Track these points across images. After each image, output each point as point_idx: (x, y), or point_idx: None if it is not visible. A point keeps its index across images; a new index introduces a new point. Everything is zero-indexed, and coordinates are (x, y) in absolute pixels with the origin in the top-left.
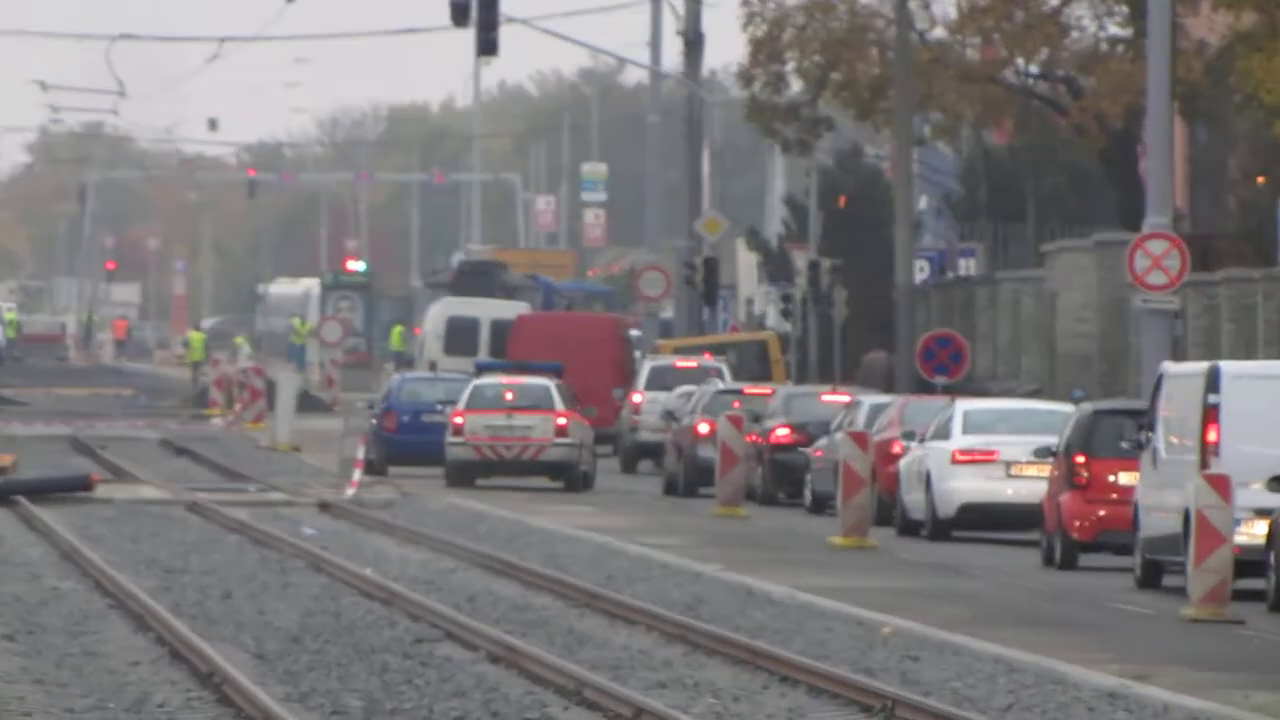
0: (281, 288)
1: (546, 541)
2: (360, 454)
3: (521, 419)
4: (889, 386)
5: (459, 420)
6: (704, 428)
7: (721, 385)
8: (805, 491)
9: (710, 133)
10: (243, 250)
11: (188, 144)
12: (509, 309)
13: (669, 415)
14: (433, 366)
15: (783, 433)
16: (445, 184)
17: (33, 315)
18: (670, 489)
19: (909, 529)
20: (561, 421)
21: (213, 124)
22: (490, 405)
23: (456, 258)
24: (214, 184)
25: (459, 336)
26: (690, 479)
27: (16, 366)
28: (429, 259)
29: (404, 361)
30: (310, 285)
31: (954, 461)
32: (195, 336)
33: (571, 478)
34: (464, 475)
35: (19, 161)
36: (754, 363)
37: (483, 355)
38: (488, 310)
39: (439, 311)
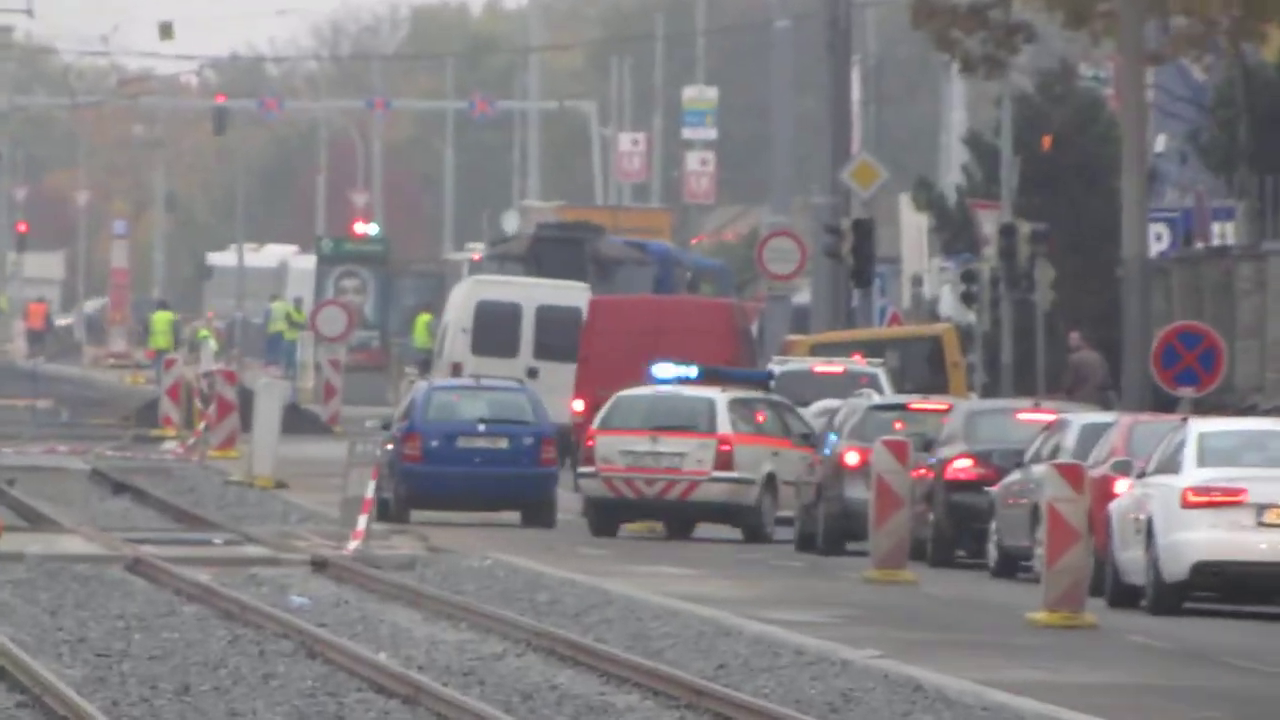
0: (241, 258)
1: (632, 616)
2: (370, 493)
3: (670, 443)
4: (1107, 399)
5: (590, 443)
6: (853, 458)
7: (878, 398)
8: (989, 546)
9: (862, 45)
10: (208, 207)
11: (131, 58)
12: (566, 292)
13: (803, 440)
14: (456, 370)
15: (963, 465)
16: (491, 115)
17: None
18: (805, 543)
19: (1124, 597)
20: (725, 448)
21: (166, 30)
22: (633, 424)
23: (509, 219)
24: (168, 114)
25: (492, 329)
26: (834, 529)
27: None
28: (468, 220)
29: (422, 364)
30: (287, 255)
31: (1185, 504)
32: (160, 317)
33: (751, 524)
34: (602, 519)
35: None
36: (923, 367)
37: (525, 354)
38: (534, 293)
39: (465, 294)
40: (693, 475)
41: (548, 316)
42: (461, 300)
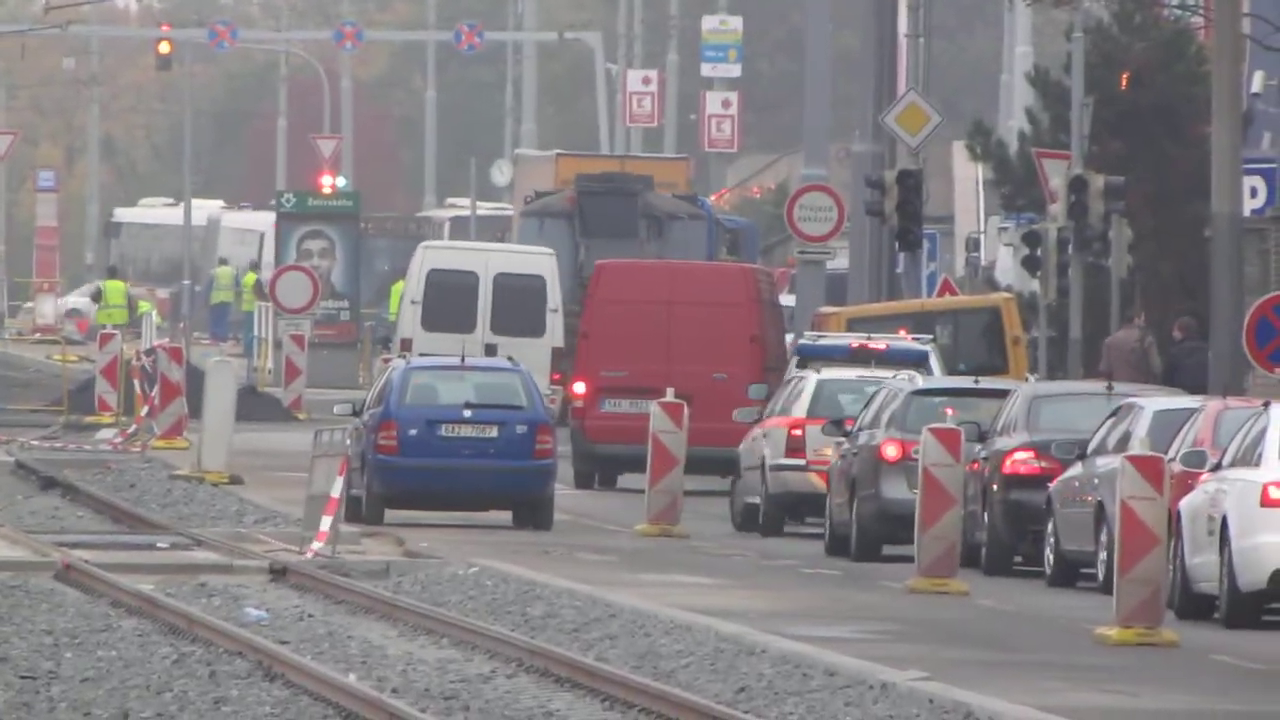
0: (159, 214)
1: (639, 630)
2: (338, 490)
3: None
4: (1150, 382)
5: (797, 433)
6: (892, 450)
7: (920, 381)
8: (1045, 551)
9: None
10: (151, 154)
11: None
12: (528, 258)
13: (835, 428)
14: (405, 348)
15: (1022, 457)
16: (480, 48)
17: None
18: (837, 547)
19: (1195, 608)
20: None
21: None
22: (845, 411)
23: (500, 169)
24: (103, 46)
25: (445, 301)
26: (870, 532)
27: None
28: (452, 171)
29: (382, 340)
30: (215, 210)
31: (1265, 503)
32: (112, 286)
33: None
34: (780, 516)
35: None
36: (979, 344)
37: (482, 329)
38: (491, 260)
39: (416, 262)
40: None
41: (507, 286)
42: (414, 268)
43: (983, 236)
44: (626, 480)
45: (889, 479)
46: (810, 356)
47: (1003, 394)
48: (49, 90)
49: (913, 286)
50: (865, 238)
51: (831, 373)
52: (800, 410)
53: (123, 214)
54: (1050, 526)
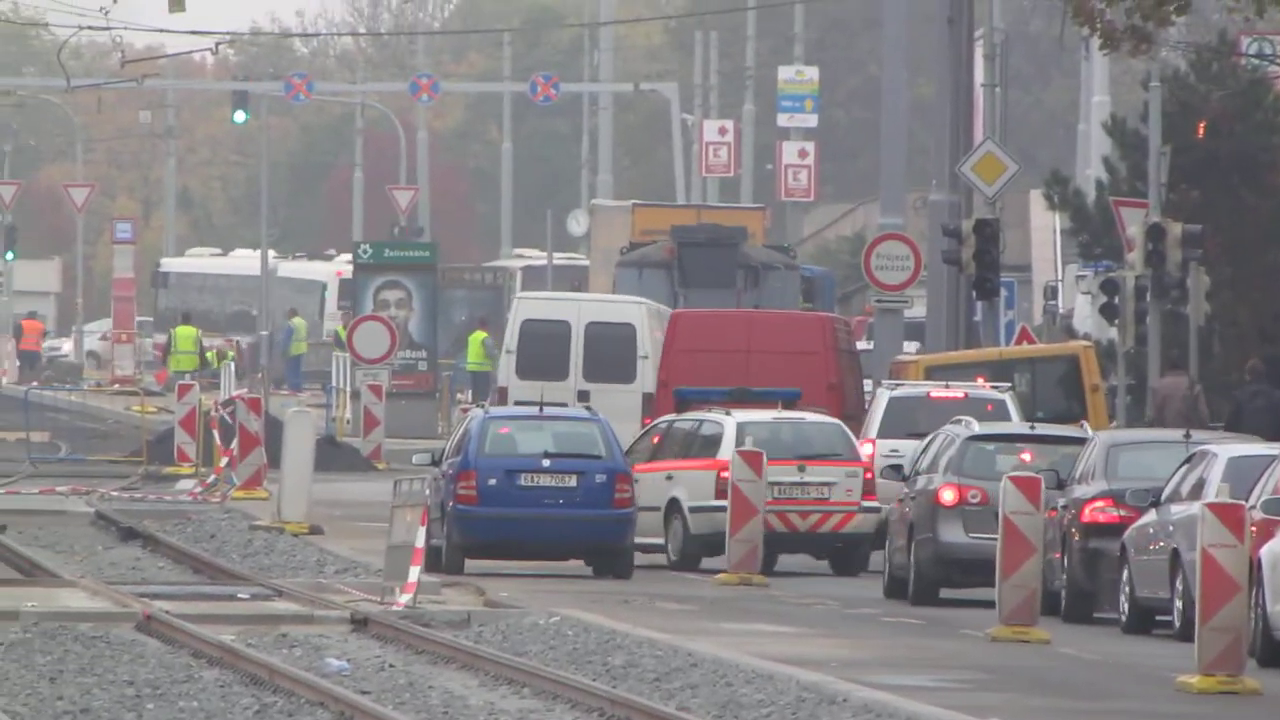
0: (205, 263)
1: (721, 681)
2: (419, 540)
3: (817, 472)
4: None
5: (725, 475)
6: (949, 495)
7: (978, 427)
8: (1120, 597)
9: (987, 18)
10: (227, 206)
11: (136, 33)
12: (618, 307)
13: (893, 472)
14: (501, 396)
15: (1101, 505)
16: (555, 100)
17: None
18: (895, 590)
19: (1276, 655)
20: (870, 475)
21: (176, 0)
22: (774, 453)
23: (576, 220)
24: (180, 99)
25: (538, 350)
26: (928, 575)
27: None
28: (528, 222)
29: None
30: (268, 257)
31: None
32: (183, 332)
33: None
34: (707, 552)
35: None
36: (1057, 392)
37: (575, 376)
38: (583, 310)
39: (512, 312)
40: (842, 506)
41: (599, 334)
42: (510, 320)
43: (1060, 285)
44: None
45: (946, 523)
46: (688, 399)
47: (1061, 440)
48: (126, 143)
49: (990, 335)
50: (943, 286)
51: (748, 415)
52: (727, 454)
53: (169, 264)
54: (1125, 574)
